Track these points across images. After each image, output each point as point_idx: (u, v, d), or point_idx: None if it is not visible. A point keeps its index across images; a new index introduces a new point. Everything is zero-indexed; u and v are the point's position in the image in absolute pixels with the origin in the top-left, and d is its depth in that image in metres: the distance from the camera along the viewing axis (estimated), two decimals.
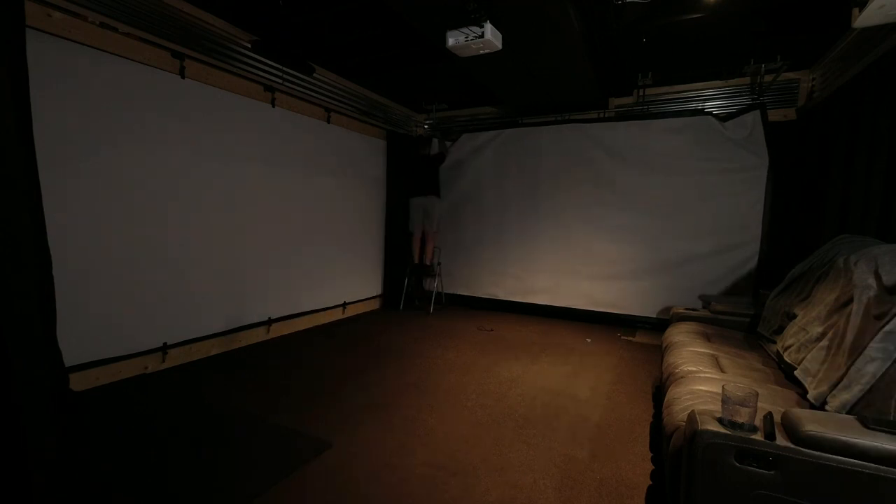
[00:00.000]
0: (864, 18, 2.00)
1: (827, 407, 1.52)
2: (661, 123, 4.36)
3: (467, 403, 2.64)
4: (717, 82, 4.15)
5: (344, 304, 4.81)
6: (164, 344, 3.09)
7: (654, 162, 4.41)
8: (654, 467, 1.99)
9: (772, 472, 1.17)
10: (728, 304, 3.37)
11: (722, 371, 2.04)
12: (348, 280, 4.89)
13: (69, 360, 2.48)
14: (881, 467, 1.08)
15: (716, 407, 1.35)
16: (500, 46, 2.71)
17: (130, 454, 2.01)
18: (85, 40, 2.57)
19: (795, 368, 1.90)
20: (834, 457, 1.12)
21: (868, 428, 1.14)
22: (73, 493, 1.71)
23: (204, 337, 3.36)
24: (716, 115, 4.14)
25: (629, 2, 2.68)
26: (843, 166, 3.00)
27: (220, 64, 3.28)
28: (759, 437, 1.20)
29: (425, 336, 4.13)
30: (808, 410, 1.27)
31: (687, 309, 3.30)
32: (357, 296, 5.03)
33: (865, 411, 1.36)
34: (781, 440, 1.18)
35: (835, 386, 1.54)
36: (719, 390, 1.33)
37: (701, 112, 4.22)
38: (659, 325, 4.32)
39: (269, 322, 3.89)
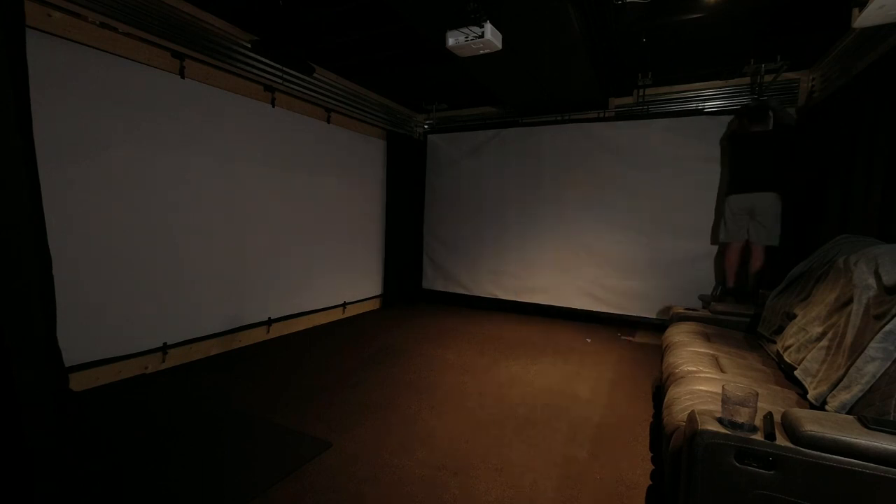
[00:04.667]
0: (864, 18, 2.00)
1: (827, 407, 1.52)
2: (662, 123, 4.36)
3: (467, 403, 2.64)
4: (717, 82, 4.14)
5: (344, 304, 4.81)
6: (164, 344, 3.09)
7: (655, 161, 4.41)
8: (654, 467, 1.99)
9: (772, 472, 1.17)
10: (728, 304, 3.37)
11: (722, 371, 2.04)
12: (348, 280, 4.89)
13: (69, 360, 2.48)
14: (881, 467, 1.08)
15: (716, 407, 1.35)
16: (500, 46, 2.71)
17: (130, 454, 2.01)
18: (85, 40, 2.57)
19: (795, 368, 1.90)
20: (834, 457, 1.12)
21: (868, 428, 1.14)
22: (73, 493, 1.71)
23: (204, 337, 3.36)
24: (717, 115, 4.14)
25: (629, 2, 2.67)
26: (844, 166, 3.00)
27: (220, 64, 3.28)
28: (758, 437, 1.20)
29: (425, 336, 4.13)
30: (807, 410, 1.27)
31: (687, 309, 3.30)
32: (357, 296, 5.03)
33: (865, 411, 1.36)
34: (781, 440, 1.19)
35: (835, 386, 1.54)
36: (719, 390, 1.33)
37: (701, 112, 4.22)
38: (659, 325, 4.31)
39: (269, 322, 3.89)
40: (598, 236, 4.73)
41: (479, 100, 5.12)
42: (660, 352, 2.83)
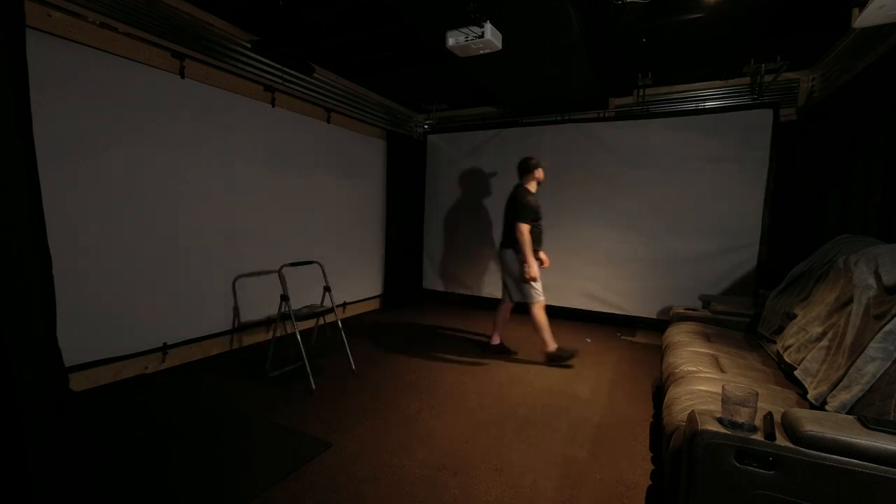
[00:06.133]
0: (864, 18, 2.00)
1: (827, 407, 1.52)
2: (662, 123, 4.36)
3: (467, 403, 2.64)
4: (718, 82, 4.15)
5: (344, 304, 4.81)
6: (164, 344, 3.09)
7: (655, 161, 4.41)
8: (653, 467, 1.99)
9: (771, 472, 1.17)
10: (728, 304, 3.37)
11: (722, 371, 2.04)
12: (348, 280, 4.88)
13: (69, 360, 2.49)
14: (881, 467, 1.08)
15: (716, 407, 1.35)
16: (500, 46, 2.71)
17: (130, 454, 2.01)
18: (85, 40, 2.57)
19: (795, 368, 1.90)
20: (833, 457, 1.12)
21: (868, 428, 1.14)
22: (73, 493, 1.71)
23: (204, 337, 3.36)
24: (717, 115, 4.14)
25: (629, 2, 2.67)
26: (844, 166, 3.00)
27: (220, 64, 3.28)
28: (758, 437, 1.20)
29: (425, 336, 4.13)
30: (807, 410, 1.27)
31: (687, 309, 3.30)
32: (357, 296, 5.03)
33: (865, 411, 1.36)
34: (781, 440, 1.19)
35: (835, 386, 1.54)
36: (719, 390, 1.33)
37: (701, 112, 4.22)
38: (659, 325, 4.32)
39: (270, 322, 3.89)
40: (597, 236, 4.73)
41: (479, 100, 5.12)
42: (660, 352, 2.83)
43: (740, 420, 1.23)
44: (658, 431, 2.23)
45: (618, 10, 2.81)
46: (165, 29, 2.90)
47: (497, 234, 5.28)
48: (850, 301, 1.77)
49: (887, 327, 1.42)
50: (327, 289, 3.27)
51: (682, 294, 4.30)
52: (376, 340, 3.95)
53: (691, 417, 1.33)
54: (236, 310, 3.61)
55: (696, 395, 1.68)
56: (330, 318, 3.89)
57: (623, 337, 4.25)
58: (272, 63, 3.64)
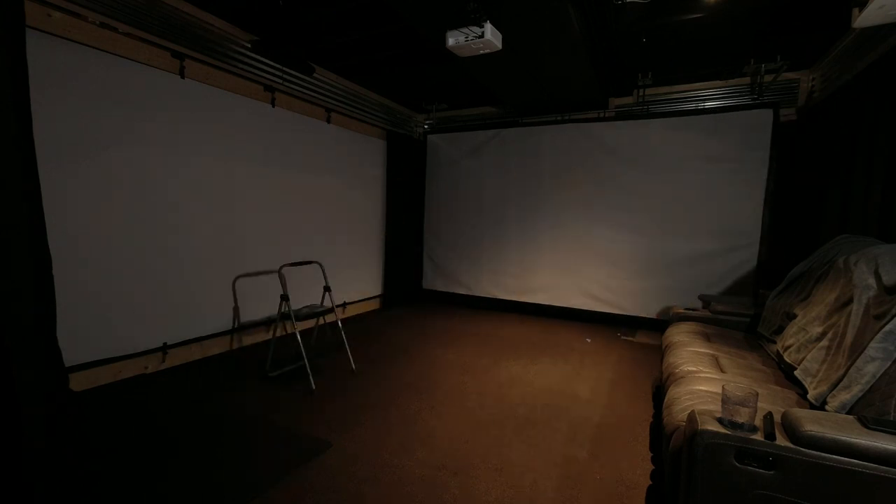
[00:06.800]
0: (864, 18, 2.00)
1: (827, 407, 1.52)
2: (662, 123, 4.36)
3: (467, 403, 2.64)
4: (718, 82, 4.15)
5: (344, 304, 4.81)
6: (164, 344, 3.09)
7: (655, 162, 4.41)
8: (653, 467, 2.00)
9: (771, 472, 1.17)
10: (728, 304, 3.37)
11: (722, 371, 2.04)
12: (348, 280, 4.89)
13: (69, 360, 2.48)
14: (881, 467, 1.08)
15: (716, 407, 1.35)
16: (499, 46, 2.71)
17: (130, 454, 2.01)
18: (85, 40, 2.57)
19: (795, 368, 1.90)
20: (833, 457, 1.12)
21: (868, 428, 1.14)
22: (72, 493, 1.71)
23: (204, 337, 3.36)
24: (717, 115, 4.14)
25: (629, 2, 2.67)
26: (844, 166, 3.00)
27: (220, 64, 3.28)
28: (758, 437, 1.20)
29: (425, 336, 4.13)
30: (807, 410, 1.27)
31: (687, 309, 3.30)
32: (357, 296, 5.03)
33: (865, 411, 1.36)
34: (781, 440, 1.19)
35: (835, 386, 1.54)
36: (719, 390, 1.33)
37: (701, 112, 4.22)
38: (659, 325, 4.32)
39: (270, 321, 3.89)
40: (598, 236, 4.73)
41: (479, 100, 5.12)
42: (660, 352, 2.84)
43: (740, 420, 1.23)
44: (658, 431, 2.23)
45: (618, 10, 2.81)
46: (165, 29, 2.90)
47: (499, 232, 5.28)
48: (850, 301, 1.77)
49: (887, 327, 1.43)
50: (327, 289, 3.26)
51: (682, 294, 4.30)
52: (376, 340, 3.95)
53: (691, 417, 1.33)
54: (236, 310, 3.61)
55: (696, 395, 1.68)
56: (330, 318, 3.92)
57: (623, 337, 4.25)
58: (272, 63, 3.64)
